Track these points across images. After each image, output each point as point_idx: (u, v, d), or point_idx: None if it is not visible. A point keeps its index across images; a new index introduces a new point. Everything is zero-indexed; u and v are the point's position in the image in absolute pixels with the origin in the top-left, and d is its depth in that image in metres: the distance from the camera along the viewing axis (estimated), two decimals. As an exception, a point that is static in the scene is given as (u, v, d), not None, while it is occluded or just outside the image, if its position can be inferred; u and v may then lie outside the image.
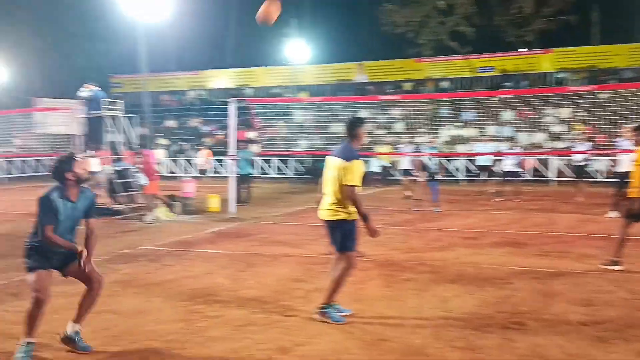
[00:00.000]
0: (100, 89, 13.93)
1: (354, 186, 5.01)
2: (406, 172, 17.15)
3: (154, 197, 12.70)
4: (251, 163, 16.24)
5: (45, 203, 4.36)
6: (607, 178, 17.34)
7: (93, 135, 13.80)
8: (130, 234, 10.66)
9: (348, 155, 5.09)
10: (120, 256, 8.43)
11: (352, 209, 5.07)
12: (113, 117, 13.79)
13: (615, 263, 7.06)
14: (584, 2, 27.60)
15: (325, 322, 5.12)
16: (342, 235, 5.15)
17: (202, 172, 22.74)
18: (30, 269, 4.47)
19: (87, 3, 30.52)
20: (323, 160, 9.17)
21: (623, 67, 25.00)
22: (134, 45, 23.23)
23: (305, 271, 7.28)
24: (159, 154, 15.55)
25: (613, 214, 11.26)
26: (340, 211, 5.11)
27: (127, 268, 7.62)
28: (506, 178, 15.98)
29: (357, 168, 5.07)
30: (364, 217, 5.05)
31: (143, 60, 14.36)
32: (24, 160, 25.77)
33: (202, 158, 23.08)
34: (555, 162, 20.74)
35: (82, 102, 13.75)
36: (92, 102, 13.54)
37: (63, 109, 16.61)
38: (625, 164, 11.02)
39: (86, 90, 13.63)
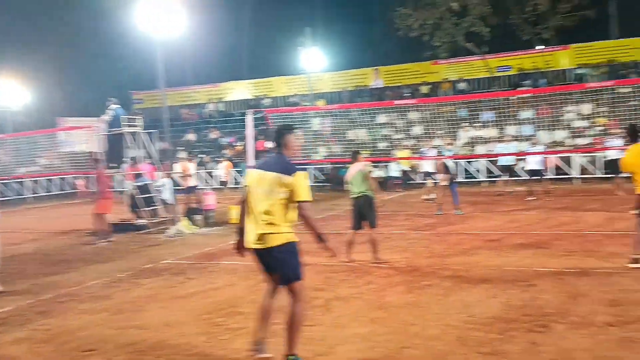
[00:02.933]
0: (119, 106, 14.15)
1: (307, 202, 4.33)
2: (427, 175, 17.12)
3: (101, 217, 11.71)
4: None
5: None
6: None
7: (114, 152, 14.01)
8: (154, 248, 10.78)
9: (288, 168, 4.36)
10: (144, 271, 8.53)
11: (291, 228, 4.43)
12: (133, 133, 13.99)
13: (638, 261, 6.93)
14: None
15: None
16: (289, 261, 4.40)
17: (223, 183, 22.89)
18: None
19: (105, 23, 31.08)
20: (343, 168, 9.20)
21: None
22: (152, 61, 23.60)
23: (326, 280, 7.26)
24: (190, 167, 15.73)
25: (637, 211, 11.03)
26: (283, 232, 4.35)
27: (151, 282, 7.71)
28: (532, 177, 15.85)
29: (304, 181, 4.36)
30: (320, 237, 4.43)
31: (161, 76, 14.56)
32: (49, 179, 26.27)
33: (223, 170, 23.24)
34: (578, 159, 20.42)
35: (103, 120, 14.00)
36: (113, 120, 13.77)
37: (85, 127, 16.93)
38: None
39: (110, 110, 13.85)
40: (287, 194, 4.30)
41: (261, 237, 4.33)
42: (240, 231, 4.58)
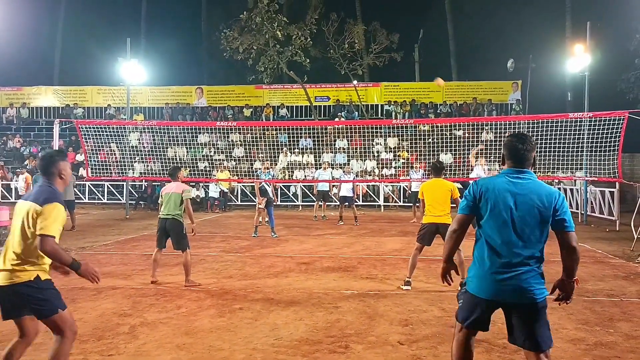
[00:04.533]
0: None
1: (51, 237, 3.79)
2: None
3: None
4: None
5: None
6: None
7: None
8: None
9: (44, 197, 3.90)
10: None
11: (45, 263, 3.97)
12: None
13: (409, 283, 7.92)
14: (406, 42, 30.37)
15: None
16: (39, 299, 3.88)
17: (21, 197, 20.63)
18: None
19: None
20: (160, 186, 8.81)
21: (440, 102, 27.76)
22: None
23: (133, 304, 6.90)
24: None
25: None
26: (28, 270, 3.88)
27: None
28: (343, 203, 16.87)
29: (55, 213, 3.85)
30: (74, 266, 3.93)
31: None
32: None
33: (22, 182, 20.95)
34: (384, 188, 22.28)
35: None
36: None
37: None
38: None
39: None
40: (34, 226, 3.83)
41: (3, 276, 3.85)
42: None
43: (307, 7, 28.14)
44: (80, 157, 23.77)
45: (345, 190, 16.95)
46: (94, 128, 18.76)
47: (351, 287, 7.93)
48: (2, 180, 22.31)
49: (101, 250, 11.43)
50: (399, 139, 24.31)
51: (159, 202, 8.45)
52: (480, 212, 3.71)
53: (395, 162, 23.05)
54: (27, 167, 23.45)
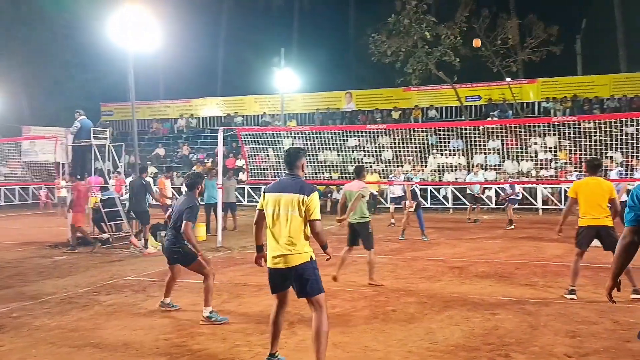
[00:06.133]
0: (85, 117, 13.91)
1: (318, 220, 4.69)
2: (393, 200, 17.27)
3: (77, 229, 12.46)
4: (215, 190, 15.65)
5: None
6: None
7: (79, 164, 13.76)
8: (115, 263, 10.55)
9: (305, 189, 4.68)
10: (104, 287, 8.33)
11: (309, 246, 4.74)
12: (100, 146, 13.76)
13: (574, 292, 7.26)
14: (566, 34, 28.19)
15: None
16: (312, 277, 4.71)
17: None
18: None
19: (78, 33, 30.78)
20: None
21: (606, 97, 25.41)
22: (124, 73, 23.36)
23: (291, 302, 7.19)
24: (167, 184, 15.59)
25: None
26: (304, 252, 4.70)
27: (110, 299, 7.53)
28: (504, 206, 16.13)
29: (317, 200, 4.70)
30: (324, 247, 4.83)
31: (133, 88, 14.42)
32: (10, 189, 25.59)
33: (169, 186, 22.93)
34: (542, 190, 20.91)
35: (70, 131, 13.75)
36: (79, 131, 13.54)
37: (50, 137, 16.58)
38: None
39: (76, 122, 13.62)
40: (304, 213, 4.57)
41: (284, 258, 4.59)
42: (259, 248, 4.92)
43: (457, 5, 27.33)
44: (240, 162, 25.46)
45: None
46: (251, 135, 19.98)
47: (509, 294, 7.54)
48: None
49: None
50: (558, 138, 22.66)
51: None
52: None
53: (555, 163, 21.52)
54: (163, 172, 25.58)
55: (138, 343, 5.58)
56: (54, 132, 19.45)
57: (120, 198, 13.64)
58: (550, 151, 22.41)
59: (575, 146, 19.25)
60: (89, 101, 30.50)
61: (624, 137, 18.78)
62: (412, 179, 14.95)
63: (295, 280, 4.65)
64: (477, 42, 15.59)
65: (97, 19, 22.50)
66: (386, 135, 24.66)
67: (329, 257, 4.91)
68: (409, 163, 20.03)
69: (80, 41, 31.09)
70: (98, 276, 9.19)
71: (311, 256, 4.65)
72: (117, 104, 34.15)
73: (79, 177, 13.31)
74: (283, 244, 4.57)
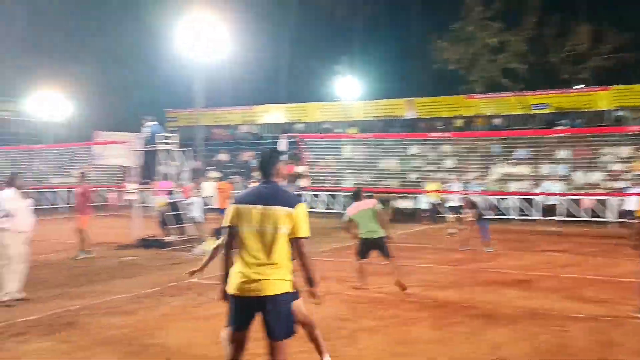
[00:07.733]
0: (156, 123, 14.41)
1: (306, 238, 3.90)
2: (452, 209, 16.88)
3: (82, 232, 12.24)
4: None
5: None
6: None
7: (148, 168, 14.25)
8: (180, 266, 10.81)
9: (290, 200, 3.95)
10: (170, 288, 8.55)
11: (291, 272, 3.94)
12: (168, 151, 14.20)
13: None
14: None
15: None
16: (287, 313, 3.92)
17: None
18: None
19: (147, 43, 32.04)
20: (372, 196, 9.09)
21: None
22: (190, 81, 24.18)
23: (351, 310, 7.16)
24: (208, 187, 15.91)
25: None
26: (285, 279, 3.87)
27: (175, 301, 7.72)
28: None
29: (306, 213, 3.93)
30: (310, 280, 3.93)
31: (198, 96, 14.85)
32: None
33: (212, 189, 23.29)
34: (614, 202, 19.91)
35: (140, 136, 14.28)
36: (149, 137, 14.04)
37: (120, 142, 17.29)
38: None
39: (146, 127, 14.13)
40: (289, 229, 3.79)
41: (258, 283, 3.74)
42: (224, 277, 3.92)
43: (525, 11, 26.63)
44: (300, 169, 25.65)
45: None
46: (312, 141, 20.13)
47: (579, 310, 7.20)
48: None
49: (319, 257, 12.12)
50: (633, 148, 21.58)
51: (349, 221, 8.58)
52: None
53: (629, 175, 20.50)
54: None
55: (203, 344, 5.69)
56: (124, 136, 20.25)
57: (187, 203, 14.00)
58: (624, 161, 21.41)
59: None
60: (154, 107, 31.60)
61: None
62: (470, 188, 14.55)
63: (266, 314, 3.75)
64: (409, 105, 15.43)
65: (166, 27, 23.39)
66: (448, 143, 24.27)
67: (317, 298, 3.97)
68: (472, 172, 19.61)
69: (149, 50, 32.36)
70: (163, 278, 9.45)
71: (293, 286, 3.91)
72: (181, 111, 35.18)
73: (145, 180, 13.75)
74: (258, 266, 3.74)
